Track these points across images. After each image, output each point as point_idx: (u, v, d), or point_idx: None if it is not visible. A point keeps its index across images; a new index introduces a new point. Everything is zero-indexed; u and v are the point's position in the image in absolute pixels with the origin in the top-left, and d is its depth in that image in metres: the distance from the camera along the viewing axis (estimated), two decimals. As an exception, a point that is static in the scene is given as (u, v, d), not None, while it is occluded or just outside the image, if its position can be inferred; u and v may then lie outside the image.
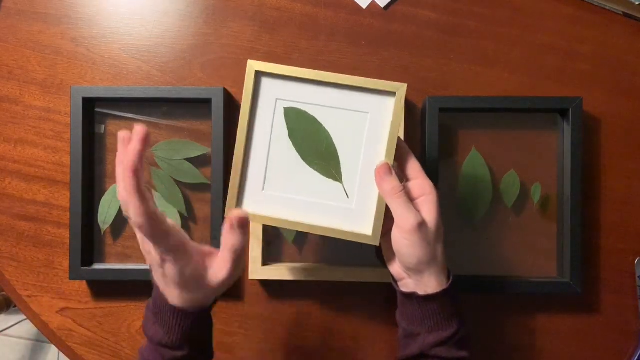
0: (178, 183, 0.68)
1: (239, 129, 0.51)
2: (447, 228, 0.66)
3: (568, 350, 0.68)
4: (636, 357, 0.66)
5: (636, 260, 0.67)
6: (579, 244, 0.63)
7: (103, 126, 0.68)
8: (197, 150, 0.68)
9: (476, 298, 0.68)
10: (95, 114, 0.68)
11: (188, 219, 0.68)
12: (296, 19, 0.69)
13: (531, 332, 0.68)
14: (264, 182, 0.53)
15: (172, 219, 0.67)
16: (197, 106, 0.68)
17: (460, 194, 0.67)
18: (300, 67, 0.68)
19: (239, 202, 0.53)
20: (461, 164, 0.67)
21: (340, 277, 0.65)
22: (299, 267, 0.66)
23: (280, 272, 0.65)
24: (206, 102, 0.66)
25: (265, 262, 0.66)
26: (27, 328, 1.51)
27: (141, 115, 0.68)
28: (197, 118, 0.68)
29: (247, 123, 0.52)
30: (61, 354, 1.11)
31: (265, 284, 0.68)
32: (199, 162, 0.68)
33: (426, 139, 0.64)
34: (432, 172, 0.64)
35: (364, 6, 0.69)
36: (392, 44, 0.69)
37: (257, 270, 0.65)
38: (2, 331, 1.48)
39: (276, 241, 0.68)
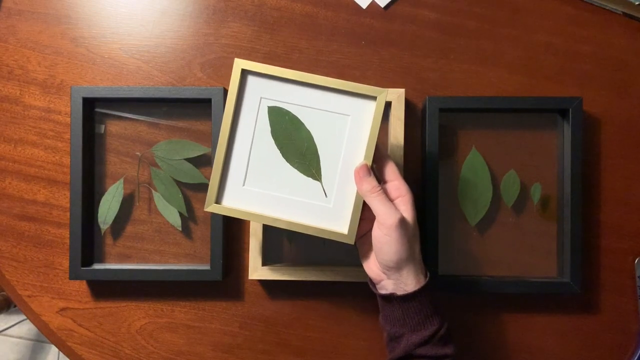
0: (178, 183, 0.68)
1: (222, 124, 0.53)
2: (447, 228, 0.67)
3: (568, 350, 0.68)
4: (636, 357, 0.66)
5: (636, 260, 0.67)
6: (579, 244, 0.63)
7: (103, 126, 0.68)
8: (197, 150, 0.68)
9: (476, 298, 0.68)
10: (95, 114, 0.68)
11: (188, 219, 0.68)
12: (296, 19, 0.69)
13: (531, 332, 0.68)
14: (245, 178, 0.54)
15: (172, 219, 0.68)
16: (197, 106, 0.68)
17: (460, 194, 0.67)
18: (301, 67, 0.68)
19: (219, 196, 0.54)
20: (461, 164, 0.67)
21: (341, 277, 0.65)
22: (299, 267, 0.66)
23: (280, 272, 0.65)
24: (206, 102, 0.66)
25: (265, 262, 0.66)
26: (27, 328, 1.51)
27: (141, 115, 0.68)
28: (197, 118, 0.68)
29: (231, 119, 0.53)
30: (61, 354, 1.11)
31: (265, 284, 0.68)
32: (199, 162, 0.68)
33: (426, 139, 0.64)
34: (432, 172, 0.64)
35: (364, 6, 0.69)
36: (392, 44, 0.69)
37: (257, 270, 0.65)
38: (2, 331, 1.48)
39: (276, 241, 0.68)
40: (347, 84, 0.52)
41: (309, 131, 0.53)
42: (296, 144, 0.53)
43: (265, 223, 0.54)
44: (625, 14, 0.68)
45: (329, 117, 0.53)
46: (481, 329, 0.68)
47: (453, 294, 0.67)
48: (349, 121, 0.53)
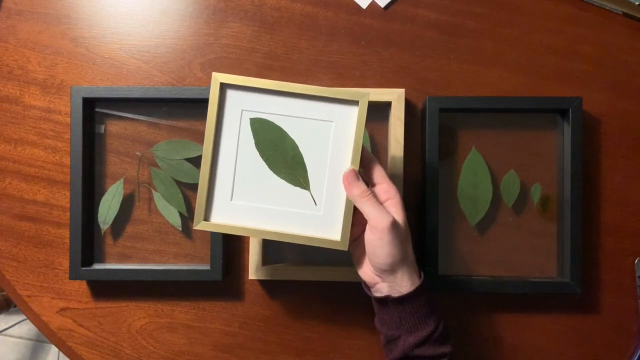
0: (178, 183, 0.68)
1: (205, 140, 0.52)
2: (447, 228, 0.67)
3: (568, 350, 0.68)
4: (636, 357, 0.66)
5: (636, 260, 0.67)
6: (579, 244, 0.63)
7: (103, 126, 0.68)
8: (197, 150, 0.68)
9: (476, 298, 0.68)
10: (95, 114, 0.68)
11: (188, 219, 0.68)
12: (296, 19, 0.69)
13: (531, 332, 0.68)
14: (232, 192, 0.53)
15: (172, 219, 0.68)
16: (197, 106, 0.68)
17: (460, 194, 0.67)
18: (301, 67, 0.68)
19: (207, 212, 0.53)
20: (461, 164, 0.67)
21: (340, 277, 0.65)
22: (299, 267, 0.66)
23: (280, 272, 0.65)
24: (206, 102, 0.65)
25: (265, 262, 0.66)
26: (27, 328, 1.51)
27: (141, 115, 0.68)
28: (197, 118, 0.68)
29: (214, 134, 0.52)
30: (61, 354, 1.11)
31: (265, 284, 0.68)
32: (199, 162, 0.68)
33: (426, 139, 0.64)
34: (432, 172, 0.64)
35: (364, 6, 0.69)
36: (392, 44, 0.69)
37: (257, 270, 0.65)
38: (2, 331, 1.48)
39: (276, 242, 0.68)
40: (327, 90, 0.51)
41: (293, 140, 0.53)
42: (281, 154, 0.53)
43: (256, 236, 0.53)
44: (625, 14, 0.68)
45: (312, 125, 0.52)
46: (481, 329, 0.68)
47: (453, 294, 0.67)
48: (333, 127, 0.52)
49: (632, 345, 0.67)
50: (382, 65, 0.68)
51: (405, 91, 0.65)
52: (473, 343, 0.67)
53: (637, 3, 0.67)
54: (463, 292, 0.67)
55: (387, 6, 0.69)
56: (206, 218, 0.53)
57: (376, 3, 0.68)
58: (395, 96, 0.65)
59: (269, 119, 0.53)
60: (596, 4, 0.68)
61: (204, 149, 0.52)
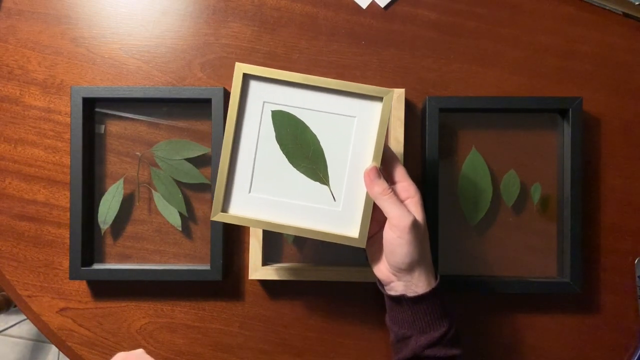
0: (178, 183, 0.68)
1: (225, 131, 0.52)
2: (447, 228, 0.67)
3: (568, 350, 0.68)
4: (636, 357, 0.66)
5: (636, 260, 0.67)
6: (579, 244, 0.63)
7: (103, 126, 0.68)
8: (197, 150, 0.68)
9: (476, 298, 0.68)
10: (95, 114, 0.68)
11: (188, 219, 0.68)
12: (296, 19, 0.69)
13: (531, 332, 0.68)
14: (251, 185, 0.53)
15: (172, 219, 0.68)
16: (197, 106, 0.68)
17: (460, 194, 0.67)
18: (300, 67, 0.68)
19: (225, 204, 0.53)
20: (461, 164, 0.67)
21: (340, 277, 0.65)
22: (299, 267, 0.66)
23: (280, 272, 0.65)
24: (206, 102, 0.66)
25: (265, 262, 0.66)
26: (27, 328, 1.51)
27: (141, 115, 0.68)
28: (197, 118, 0.68)
29: (235, 125, 0.52)
30: (61, 354, 1.11)
31: (265, 284, 0.68)
32: (199, 162, 0.68)
33: (426, 139, 0.64)
34: (432, 172, 0.64)
35: (364, 6, 0.69)
36: (392, 44, 0.69)
37: (257, 270, 0.65)
38: (2, 331, 1.48)
39: (276, 241, 0.68)
40: (352, 85, 0.51)
41: (314, 134, 0.52)
42: (302, 148, 0.52)
43: (273, 230, 0.53)
44: (625, 14, 0.68)
45: (334, 120, 0.52)
46: (481, 329, 0.68)
47: (452, 294, 0.67)
48: (355, 123, 0.52)
49: (632, 345, 0.67)
50: (382, 65, 0.68)
51: (405, 91, 0.65)
52: (472, 343, 0.67)
53: (637, 3, 0.67)
54: (462, 292, 0.67)
55: (387, 6, 0.69)
56: (224, 210, 0.53)
57: (376, 3, 0.69)
58: (395, 96, 0.65)
59: (290, 111, 0.52)
60: (596, 4, 0.68)
61: (224, 139, 0.52)
